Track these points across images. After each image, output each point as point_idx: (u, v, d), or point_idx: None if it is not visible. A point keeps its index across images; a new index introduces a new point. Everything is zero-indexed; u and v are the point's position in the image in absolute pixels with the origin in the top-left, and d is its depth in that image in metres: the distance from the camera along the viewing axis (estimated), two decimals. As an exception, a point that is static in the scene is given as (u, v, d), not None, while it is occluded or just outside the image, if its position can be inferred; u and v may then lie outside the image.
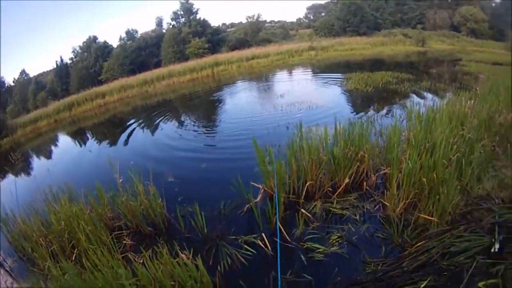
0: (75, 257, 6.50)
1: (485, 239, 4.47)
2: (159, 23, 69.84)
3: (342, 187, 7.03)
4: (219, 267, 5.53)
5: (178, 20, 65.02)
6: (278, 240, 5.39)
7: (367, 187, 7.15)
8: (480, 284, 4.01)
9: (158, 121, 19.99)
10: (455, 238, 4.76)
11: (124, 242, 6.85)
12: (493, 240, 4.37)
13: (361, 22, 57.79)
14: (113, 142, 17.64)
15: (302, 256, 5.46)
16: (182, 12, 64.32)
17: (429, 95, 14.76)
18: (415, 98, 14.39)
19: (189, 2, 63.75)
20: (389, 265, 4.81)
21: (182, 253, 5.44)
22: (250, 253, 5.72)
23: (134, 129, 19.32)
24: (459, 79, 19.14)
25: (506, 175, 6.24)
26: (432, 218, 5.43)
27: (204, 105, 23.37)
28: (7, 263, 7.63)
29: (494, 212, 4.94)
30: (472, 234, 4.67)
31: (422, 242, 5.00)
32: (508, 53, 27.95)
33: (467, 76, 20.13)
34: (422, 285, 4.21)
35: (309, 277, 4.94)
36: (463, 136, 7.22)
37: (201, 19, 64.60)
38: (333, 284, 4.67)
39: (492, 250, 4.29)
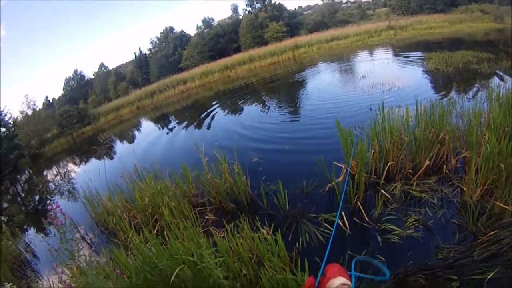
0: (157, 230, 7.13)
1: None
2: (235, 9, 70.71)
3: (422, 169, 7.08)
4: (297, 244, 5.88)
5: (253, 5, 65.35)
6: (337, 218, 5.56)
7: (446, 171, 7.09)
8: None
9: (241, 104, 20.77)
10: (527, 229, 4.70)
11: (207, 217, 7.40)
12: None
13: (437, -1, 55.49)
14: (197, 125, 18.49)
15: (378, 237, 5.67)
16: (257, -2, 64.45)
17: (510, 76, 14.24)
18: (495, 79, 13.90)
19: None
20: (460, 252, 4.86)
21: (262, 229, 5.90)
22: (329, 231, 5.97)
23: (217, 112, 20.13)
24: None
25: None
26: (507, 207, 5.36)
27: (287, 87, 23.75)
28: (88, 236, 8.47)
29: None
30: (544, 226, 4.56)
31: (494, 232, 5.00)
32: None
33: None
34: (489, 277, 4.27)
35: (382, 258, 5.10)
36: (545, 120, 6.89)
37: (276, 3, 64.61)
38: (404, 267, 4.77)
39: None
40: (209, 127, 17.18)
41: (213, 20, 69.87)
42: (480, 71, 15.78)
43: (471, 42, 27.44)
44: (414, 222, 5.86)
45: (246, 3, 66.52)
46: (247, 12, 66.50)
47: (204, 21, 68.92)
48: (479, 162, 6.01)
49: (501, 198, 5.59)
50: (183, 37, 67.86)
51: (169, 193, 7.68)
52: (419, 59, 22.48)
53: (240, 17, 68.02)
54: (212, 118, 19.02)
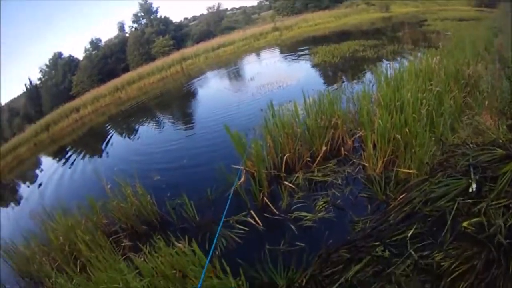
0: (79, 267, 6.55)
1: (463, 182, 4.52)
2: (121, 28, 68.50)
3: (320, 155, 7.18)
4: (216, 250, 5.64)
5: (140, 21, 63.95)
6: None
7: (345, 152, 7.29)
8: (464, 224, 4.08)
9: (135, 125, 20.15)
10: (434, 185, 4.84)
11: (123, 244, 6.91)
12: (470, 181, 4.44)
13: (322, -4, 57.37)
14: (95, 154, 17.61)
15: (292, 226, 5.59)
16: (142, 14, 63.29)
17: (397, 58, 14.82)
18: (383, 62, 14.47)
19: (147, 2, 62.75)
20: (376, 221, 4.93)
21: (178, 243, 5.54)
22: (243, 231, 5.87)
23: (113, 137, 19.30)
24: (426, 38, 19.27)
25: (479, 122, 6.36)
26: (411, 171, 5.54)
27: (177, 101, 23.49)
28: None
29: (468, 156, 5.02)
30: (449, 178, 4.72)
31: (404, 195, 5.10)
32: (472, 9, 28.20)
33: (434, 34, 20.16)
34: (409, 234, 4.32)
35: (302, 244, 5.06)
36: (432, 91, 7.34)
37: (162, 17, 63.65)
38: (325, 247, 4.72)
39: (470, 190, 4.35)
40: (106, 154, 16.42)
41: (100, 40, 66.65)
42: (367, 57, 16.46)
43: (357, 33, 28.80)
44: (324, 205, 5.88)
45: (132, 19, 64.60)
46: (133, 29, 64.91)
47: (91, 42, 65.37)
48: (375, 138, 6.28)
49: (403, 165, 5.77)
50: (71, 62, 64.22)
51: (81, 227, 7.12)
52: (306, 54, 23.18)
53: (127, 35, 66.56)
54: (108, 144, 18.17)
